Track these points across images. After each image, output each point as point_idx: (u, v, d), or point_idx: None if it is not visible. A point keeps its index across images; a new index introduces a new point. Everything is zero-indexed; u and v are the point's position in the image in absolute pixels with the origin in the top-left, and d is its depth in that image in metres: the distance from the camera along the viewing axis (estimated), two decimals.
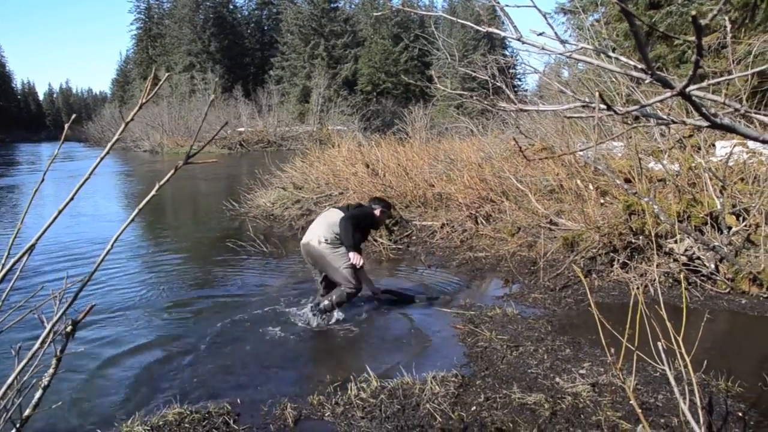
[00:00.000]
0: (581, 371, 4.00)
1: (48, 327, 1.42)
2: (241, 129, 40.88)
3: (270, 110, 43.29)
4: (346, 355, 4.66)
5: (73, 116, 1.76)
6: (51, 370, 1.54)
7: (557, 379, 3.89)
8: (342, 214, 5.26)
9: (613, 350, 2.83)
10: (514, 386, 3.77)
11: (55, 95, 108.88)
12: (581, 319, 5.19)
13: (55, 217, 1.37)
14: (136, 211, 1.42)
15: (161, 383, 4.08)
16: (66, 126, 1.55)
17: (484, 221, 8.46)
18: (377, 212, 5.57)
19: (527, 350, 4.43)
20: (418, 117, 14.64)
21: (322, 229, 5.24)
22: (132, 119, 1.44)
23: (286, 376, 4.18)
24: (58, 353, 1.56)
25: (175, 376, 4.20)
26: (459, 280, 6.69)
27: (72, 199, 1.40)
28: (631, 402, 2.43)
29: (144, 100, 1.42)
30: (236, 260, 7.75)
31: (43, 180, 1.51)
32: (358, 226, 5.32)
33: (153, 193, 1.42)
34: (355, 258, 5.12)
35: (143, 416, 3.49)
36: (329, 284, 5.44)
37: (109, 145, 1.47)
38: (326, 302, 5.22)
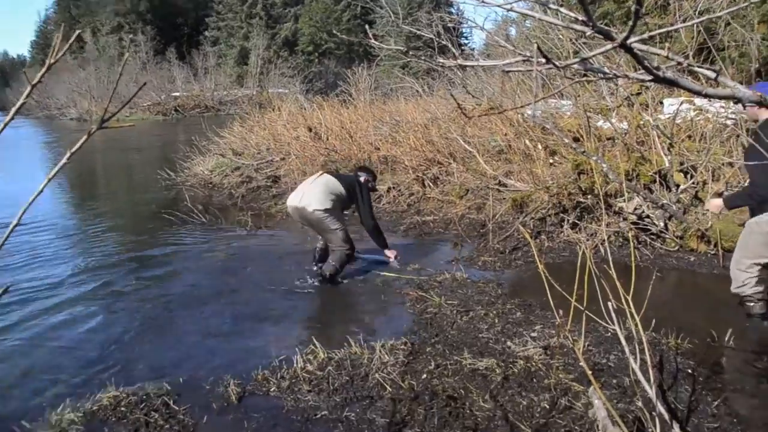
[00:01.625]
0: (533, 334, 3.97)
1: None
2: (176, 94, 39.36)
3: (206, 73, 41.75)
4: (291, 326, 4.48)
5: None
6: None
7: (509, 343, 3.84)
8: (338, 183, 5.35)
9: (562, 312, 2.76)
10: (465, 352, 3.69)
11: None
12: (532, 281, 5.17)
13: None
14: (46, 181, 1.25)
15: (93, 364, 3.80)
16: None
17: (431, 184, 8.36)
18: (362, 179, 5.63)
19: (478, 315, 4.37)
20: (361, 78, 14.35)
21: (318, 196, 5.20)
22: (40, 81, 1.23)
23: (228, 351, 3.97)
24: None
25: (107, 355, 3.92)
26: (407, 245, 6.58)
27: None
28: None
29: (52, 61, 1.20)
30: (173, 232, 7.39)
31: None
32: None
33: (64, 161, 1.24)
34: (392, 254, 5.69)
35: (75, 402, 3.23)
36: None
37: (13, 110, 1.26)
38: (331, 267, 5.23)
